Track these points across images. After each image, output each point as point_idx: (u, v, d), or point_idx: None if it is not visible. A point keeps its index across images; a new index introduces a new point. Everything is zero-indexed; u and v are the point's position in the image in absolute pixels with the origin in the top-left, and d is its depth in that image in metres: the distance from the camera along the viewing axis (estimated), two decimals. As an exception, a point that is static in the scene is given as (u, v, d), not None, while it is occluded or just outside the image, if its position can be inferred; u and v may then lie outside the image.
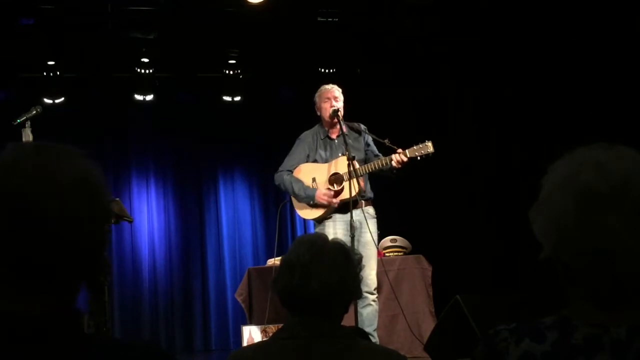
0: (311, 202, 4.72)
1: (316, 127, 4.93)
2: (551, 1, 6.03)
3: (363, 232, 4.61)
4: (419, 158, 4.54)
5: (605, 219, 1.14)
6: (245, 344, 5.05)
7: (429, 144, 4.54)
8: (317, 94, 4.87)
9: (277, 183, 4.90)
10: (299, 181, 4.81)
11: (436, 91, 7.20)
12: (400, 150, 4.54)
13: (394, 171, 4.60)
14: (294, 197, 4.85)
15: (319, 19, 6.78)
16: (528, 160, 6.03)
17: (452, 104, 7.09)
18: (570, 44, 6.03)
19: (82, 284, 1.08)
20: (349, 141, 4.60)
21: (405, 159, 4.49)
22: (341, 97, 4.81)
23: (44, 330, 1.00)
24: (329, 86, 4.87)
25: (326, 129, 4.85)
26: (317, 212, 4.76)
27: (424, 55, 6.99)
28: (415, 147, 4.54)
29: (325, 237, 2.02)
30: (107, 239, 1.10)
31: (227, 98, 7.46)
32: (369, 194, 4.78)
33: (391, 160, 4.54)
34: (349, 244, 3.91)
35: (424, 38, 6.76)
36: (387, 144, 4.61)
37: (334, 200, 4.64)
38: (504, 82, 6.57)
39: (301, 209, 4.86)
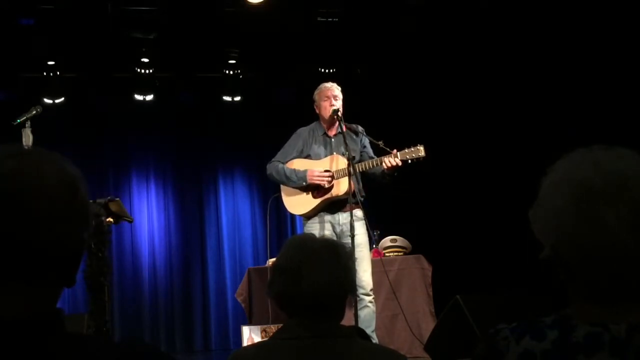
0: (304, 184, 4.66)
1: (314, 124, 4.90)
2: (552, 2, 6.03)
3: (354, 234, 4.54)
4: (409, 161, 4.48)
5: (603, 215, 1.15)
6: (245, 344, 5.05)
7: (421, 147, 4.47)
8: (316, 92, 4.84)
9: (268, 172, 4.82)
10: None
11: (436, 91, 7.20)
12: (393, 151, 4.49)
13: (386, 175, 4.55)
14: (285, 183, 4.75)
15: (319, 19, 6.79)
16: (528, 161, 6.03)
17: (452, 104, 7.08)
18: (571, 44, 6.03)
19: (61, 286, 1.06)
20: (347, 141, 4.56)
21: (396, 161, 4.44)
22: (340, 96, 4.78)
23: (20, 333, 0.98)
24: (329, 84, 4.82)
25: (324, 126, 4.84)
26: (306, 207, 4.70)
27: (424, 55, 6.99)
28: (407, 150, 4.49)
29: (313, 236, 2.00)
30: (85, 245, 1.08)
31: (227, 98, 7.47)
32: (360, 196, 4.71)
33: (382, 161, 4.50)
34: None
35: (423, 38, 6.76)
36: (381, 145, 4.57)
37: (327, 179, 4.59)
38: (505, 81, 6.57)
39: (290, 203, 4.79)
